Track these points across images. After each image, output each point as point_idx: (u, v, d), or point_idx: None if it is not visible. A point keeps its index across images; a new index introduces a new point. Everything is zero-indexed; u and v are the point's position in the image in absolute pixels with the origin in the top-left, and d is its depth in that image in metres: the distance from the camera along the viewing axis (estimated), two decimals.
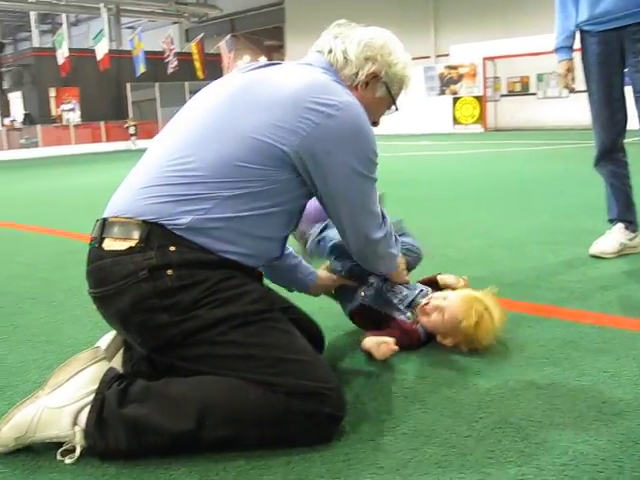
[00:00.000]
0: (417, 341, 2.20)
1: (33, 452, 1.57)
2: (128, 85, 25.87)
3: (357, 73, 1.77)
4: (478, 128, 21.51)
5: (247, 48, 33.59)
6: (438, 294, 2.25)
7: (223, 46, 26.29)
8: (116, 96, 26.16)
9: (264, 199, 1.62)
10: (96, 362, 1.61)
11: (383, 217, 1.87)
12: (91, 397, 1.54)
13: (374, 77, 1.78)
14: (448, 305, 2.14)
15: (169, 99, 26.57)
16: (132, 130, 23.64)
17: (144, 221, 1.56)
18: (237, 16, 31.49)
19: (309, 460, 1.51)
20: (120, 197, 1.67)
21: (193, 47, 26.45)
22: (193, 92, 26.90)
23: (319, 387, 1.53)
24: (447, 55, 23.35)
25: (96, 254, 1.60)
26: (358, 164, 1.67)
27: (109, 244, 1.58)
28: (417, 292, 2.28)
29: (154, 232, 1.54)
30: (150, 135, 25.80)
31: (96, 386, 1.55)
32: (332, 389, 1.56)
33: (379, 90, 1.81)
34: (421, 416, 1.72)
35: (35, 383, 1.99)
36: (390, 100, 1.86)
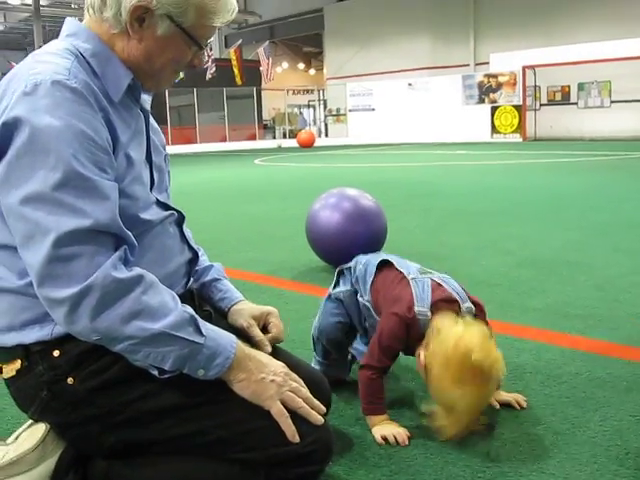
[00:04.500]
0: None
1: None
2: (166, 91, 26.05)
3: (119, 12, 1.25)
4: (517, 137, 21.21)
5: (285, 54, 33.67)
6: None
7: (261, 52, 26.33)
8: (155, 102, 25.99)
9: None
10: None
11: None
12: None
13: (145, 12, 1.25)
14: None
15: (207, 105, 26.75)
16: None
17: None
18: (276, 23, 31.57)
19: None
20: None
21: (232, 53, 26.54)
22: (231, 98, 27.23)
23: (300, 449, 1.27)
24: (487, 63, 23.08)
25: (5, 381, 1.36)
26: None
27: (5, 371, 1.33)
28: None
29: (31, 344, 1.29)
30: (188, 140, 26.05)
31: None
32: (315, 441, 1.29)
33: (160, 27, 1.27)
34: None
35: None
36: (184, 36, 1.29)
